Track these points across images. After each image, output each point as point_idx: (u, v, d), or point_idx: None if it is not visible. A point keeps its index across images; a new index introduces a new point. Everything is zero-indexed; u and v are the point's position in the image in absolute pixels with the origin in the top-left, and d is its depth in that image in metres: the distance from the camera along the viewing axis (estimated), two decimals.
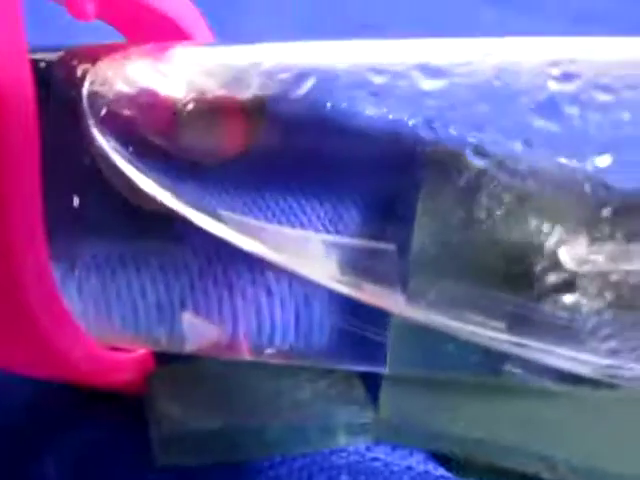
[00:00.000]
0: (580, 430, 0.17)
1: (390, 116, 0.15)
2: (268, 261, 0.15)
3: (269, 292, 0.16)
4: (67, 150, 0.16)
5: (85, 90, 0.16)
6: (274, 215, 0.16)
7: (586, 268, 0.14)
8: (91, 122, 0.15)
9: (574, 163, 0.13)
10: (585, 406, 0.17)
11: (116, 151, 0.15)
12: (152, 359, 0.19)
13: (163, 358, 0.19)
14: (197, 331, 0.17)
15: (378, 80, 0.14)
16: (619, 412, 0.17)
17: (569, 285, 0.15)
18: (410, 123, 0.14)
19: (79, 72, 0.16)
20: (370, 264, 0.15)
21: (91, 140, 0.15)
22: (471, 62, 0.14)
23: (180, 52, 0.17)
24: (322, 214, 0.16)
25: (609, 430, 0.17)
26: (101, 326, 0.17)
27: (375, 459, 0.17)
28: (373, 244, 0.16)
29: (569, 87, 0.13)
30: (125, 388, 0.18)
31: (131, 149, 0.15)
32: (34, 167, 0.14)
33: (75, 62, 0.17)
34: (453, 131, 0.14)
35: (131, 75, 0.16)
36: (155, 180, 0.15)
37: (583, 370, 0.15)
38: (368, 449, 0.17)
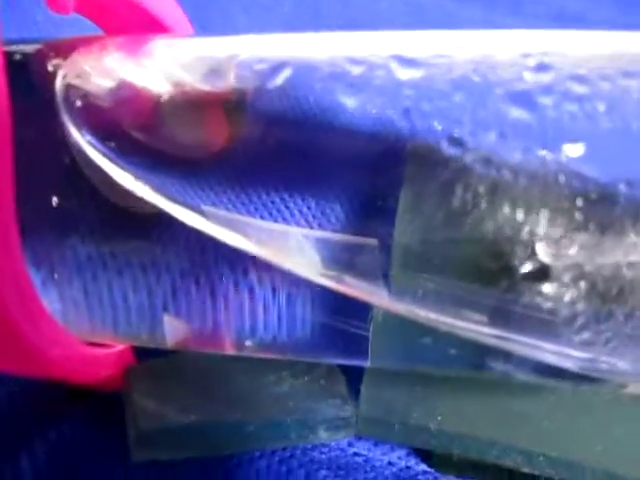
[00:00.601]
0: (560, 424, 0.17)
1: (369, 108, 0.15)
2: (250, 256, 0.15)
3: (251, 287, 0.16)
4: (43, 147, 0.16)
5: (59, 83, 0.15)
6: (257, 210, 0.16)
7: (560, 260, 0.14)
8: (66, 116, 0.15)
9: (549, 154, 0.13)
10: (565, 400, 0.17)
11: (92, 146, 0.15)
12: (132, 354, 0.19)
13: (143, 353, 0.19)
14: (178, 327, 0.17)
15: (355, 70, 0.14)
16: (599, 407, 0.17)
17: (544, 276, 0.15)
18: (389, 115, 0.14)
19: (54, 65, 0.16)
20: (353, 258, 0.15)
21: (67, 135, 0.15)
22: (448, 54, 0.14)
23: (159, 45, 0.17)
24: (305, 209, 0.16)
25: (589, 424, 0.17)
26: (82, 324, 0.17)
27: (356, 454, 0.17)
28: (355, 238, 0.16)
29: (544, 78, 0.13)
30: (105, 384, 0.18)
31: (108, 143, 0.15)
32: (7, 164, 0.13)
33: (51, 55, 0.16)
34: (431, 123, 0.14)
35: (108, 68, 0.16)
36: (134, 175, 0.15)
37: (565, 363, 0.15)
38: (349, 444, 0.18)
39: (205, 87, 0.16)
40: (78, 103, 0.15)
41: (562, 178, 0.13)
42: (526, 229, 0.14)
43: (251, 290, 0.16)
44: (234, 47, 0.16)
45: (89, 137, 0.15)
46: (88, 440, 0.17)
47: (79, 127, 0.15)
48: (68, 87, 0.15)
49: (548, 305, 0.15)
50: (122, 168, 0.15)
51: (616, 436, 0.17)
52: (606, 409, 0.17)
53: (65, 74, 0.16)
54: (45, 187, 0.16)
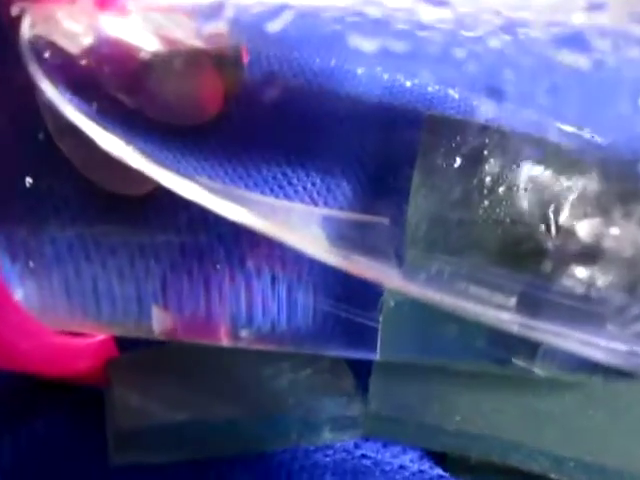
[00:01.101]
0: (592, 424, 0.16)
1: (383, 63, 0.13)
2: (248, 236, 0.14)
3: (248, 270, 0.15)
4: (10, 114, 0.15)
5: (26, 33, 0.14)
6: (257, 184, 0.15)
7: (605, 240, 0.13)
8: (37, 74, 0.13)
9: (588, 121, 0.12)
10: (597, 398, 0.16)
11: (73, 107, 0.14)
12: (114, 345, 0.17)
13: (127, 344, 0.17)
14: (167, 315, 0.16)
15: (373, 11, 0.12)
16: (635, 404, 0.16)
17: (584, 259, 0.13)
18: (409, 71, 0.13)
19: (19, 9, 0.14)
20: (362, 236, 0.14)
21: (39, 96, 0.14)
22: None
23: None
24: (309, 185, 0.15)
25: (624, 425, 0.16)
26: (59, 312, 0.16)
27: (364, 457, 0.16)
28: (365, 215, 0.14)
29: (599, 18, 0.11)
30: (84, 378, 0.17)
31: (90, 106, 0.14)
32: None
33: None
34: (459, 79, 0.12)
35: (86, 18, 0.14)
36: (124, 140, 0.14)
37: (599, 356, 0.14)
38: (356, 446, 0.16)
39: (197, 42, 0.14)
40: (52, 59, 0.14)
41: (605, 148, 0.12)
42: (564, 207, 0.13)
43: (248, 273, 0.15)
44: None
45: (68, 97, 0.14)
46: (63, 439, 0.16)
47: (54, 85, 0.14)
48: (37, 39, 0.14)
49: (581, 291, 0.14)
50: (110, 132, 0.14)
51: None
52: None
53: (33, 22, 0.14)
54: (17, 166, 0.15)
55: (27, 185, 0.15)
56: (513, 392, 0.16)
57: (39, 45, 0.14)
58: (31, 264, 0.15)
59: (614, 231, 0.13)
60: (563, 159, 0.14)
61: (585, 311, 0.14)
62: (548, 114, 0.13)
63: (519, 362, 0.15)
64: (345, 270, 0.13)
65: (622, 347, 0.13)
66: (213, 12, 0.14)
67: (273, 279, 0.15)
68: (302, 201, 0.15)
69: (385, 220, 0.14)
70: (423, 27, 0.11)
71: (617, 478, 0.15)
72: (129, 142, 0.14)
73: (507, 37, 0.12)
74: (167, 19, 0.15)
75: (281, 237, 0.13)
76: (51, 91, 0.14)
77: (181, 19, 0.15)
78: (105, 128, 0.14)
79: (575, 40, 0.11)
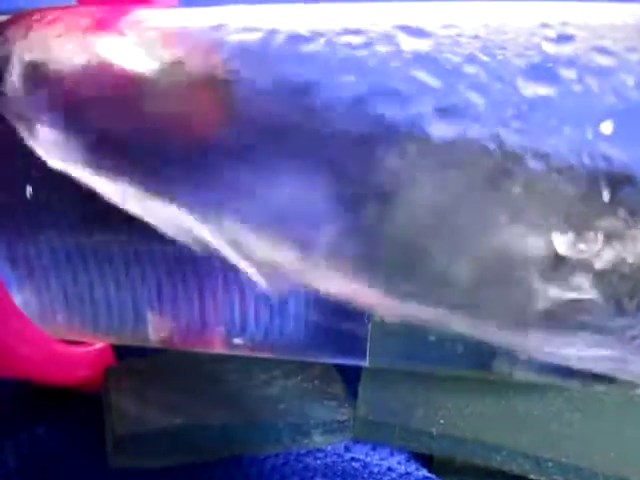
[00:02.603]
0: (570, 427, 0.16)
1: (367, 86, 0.13)
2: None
3: (242, 283, 0.15)
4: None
5: (16, 60, 0.14)
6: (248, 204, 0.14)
7: (581, 252, 0.13)
8: (27, 105, 0.14)
9: (570, 134, 0.12)
10: (575, 402, 0.16)
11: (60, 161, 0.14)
12: (111, 353, 0.18)
13: (124, 352, 0.18)
14: (163, 324, 0.16)
15: (356, 40, 0.12)
16: (612, 408, 0.16)
17: (560, 270, 0.14)
18: (391, 93, 0.13)
19: (14, 36, 0.14)
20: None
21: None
22: (458, 24, 0.12)
23: (139, 16, 0.15)
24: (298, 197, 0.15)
25: (601, 427, 0.16)
26: (58, 321, 0.16)
27: (354, 459, 0.16)
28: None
29: (566, 50, 0.11)
30: (83, 385, 0.17)
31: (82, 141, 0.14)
32: None
33: (8, 25, 0.15)
34: (436, 102, 0.13)
35: (80, 43, 0.14)
36: (112, 179, 0.14)
37: (580, 363, 0.14)
38: (346, 449, 0.17)
39: (191, 64, 0.15)
40: (41, 87, 0.14)
41: (585, 160, 0.12)
42: (543, 218, 0.13)
43: (241, 284, 0.15)
44: (221, 19, 0.15)
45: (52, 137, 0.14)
46: (64, 444, 0.16)
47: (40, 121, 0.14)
48: (30, 66, 0.14)
49: (566, 300, 0.14)
50: (99, 173, 0.14)
51: (630, 440, 0.16)
52: (619, 411, 0.16)
53: (25, 49, 0.14)
54: (18, 176, 0.15)
55: (27, 195, 0.15)
56: (494, 397, 0.16)
57: (30, 75, 0.14)
58: (30, 271, 0.15)
59: (590, 245, 0.13)
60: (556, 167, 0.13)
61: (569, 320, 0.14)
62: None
63: (500, 368, 0.15)
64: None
65: (604, 352, 0.14)
66: (208, 34, 0.15)
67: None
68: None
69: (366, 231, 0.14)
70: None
71: (592, 478, 0.15)
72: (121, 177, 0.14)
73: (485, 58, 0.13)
74: (161, 40, 0.15)
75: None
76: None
77: (175, 41, 0.15)
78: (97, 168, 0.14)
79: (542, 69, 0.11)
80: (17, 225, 0.15)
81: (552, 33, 0.12)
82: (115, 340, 0.17)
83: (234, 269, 0.15)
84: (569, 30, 0.12)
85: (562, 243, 0.13)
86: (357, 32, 0.12)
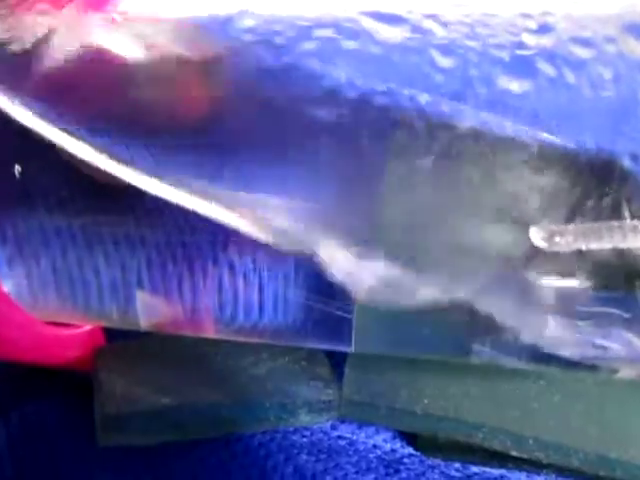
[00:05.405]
0: (550, 406, 0.16)
1: (345, 76, 0.13)
2: (230, 231, 0.14)
3: (232, 268, 0.15)
4: None
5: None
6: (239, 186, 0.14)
7: (555, 244, 0.13)
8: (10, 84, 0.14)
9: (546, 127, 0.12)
10: (556, 382, 0.17)
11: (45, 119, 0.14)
12: (102, 335, 0.18)
13: (115, 334, 0.18)
14: (152, 307, 0.16)
15: (327, 33, 0.12)
16: (591, 389, 0.17)
17: (536, 260, 0.14)
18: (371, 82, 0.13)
19: None
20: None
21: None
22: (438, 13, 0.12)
23: (129, 2, 0.15)
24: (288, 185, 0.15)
25: (580, 407, 0.16)
26: (48, 303, 0.16)
27: (340, 437, 0.17)
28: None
29: (545, 41, 0.11)
30: (75, 366, 0.17)
31: (65, 114, 0.14)
32: None
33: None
34: (417, 94, 0.13)
35: (68, 25, 0.14)
36: (101, 150, 0.14)
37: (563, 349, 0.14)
38: (333, 427, 0.17)
39: (180, 49, 0.15)
40: (32, 67, 0.14)
41: (559, 152, 0.12)
42: (520, 210, 0.13)
43: (231, 269, 0.15)
44: (210, 5, 0.15)
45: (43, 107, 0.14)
46: (53, 423, 0.17)
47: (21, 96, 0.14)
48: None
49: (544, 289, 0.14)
50: (88, 143, 0.14)
51: (608, 419, 0.16)
52: (597, 391, 0.17)
53: (10, 27, 0.14)
54: (6, 154, 0.15)
55: (17, 173, 0.15)
56: (476, 378, 0.17)
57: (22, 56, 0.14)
58: (20, 253, 0.15)
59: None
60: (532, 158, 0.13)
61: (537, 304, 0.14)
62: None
63: (479, 354, 0.15)
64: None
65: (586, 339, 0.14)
66: (198, 21, 0.15)
67: (252, 275, 0.15)
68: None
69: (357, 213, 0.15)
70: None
71: (571, 454, 0.16)
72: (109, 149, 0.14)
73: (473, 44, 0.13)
74: (151, 27, 0.15)
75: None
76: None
77: (165, 28, 0.15)
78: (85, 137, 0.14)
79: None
80: (6, 206, 0.15)
81: (533, 24, 0.12)
82: (106, 323, 0.17)
83: (222, 252, 0.15)
84: (550, 20, 0.12)
85: (538, 234, 0.13)
86: (332, 25, 0.12)
